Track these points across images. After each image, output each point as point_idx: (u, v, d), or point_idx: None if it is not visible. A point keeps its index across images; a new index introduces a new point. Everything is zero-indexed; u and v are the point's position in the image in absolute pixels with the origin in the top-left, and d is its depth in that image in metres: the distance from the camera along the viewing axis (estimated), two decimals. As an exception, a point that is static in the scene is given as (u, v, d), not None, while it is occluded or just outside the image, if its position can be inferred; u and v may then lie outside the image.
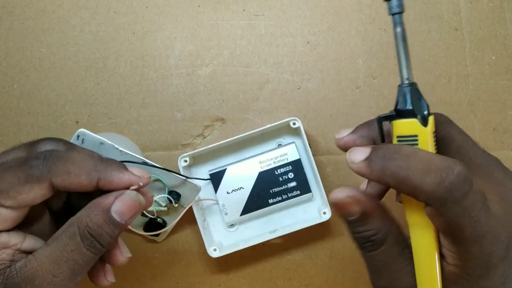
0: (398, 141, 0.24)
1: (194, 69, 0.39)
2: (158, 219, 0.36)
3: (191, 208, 0.35)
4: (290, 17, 0.39)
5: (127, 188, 0.25)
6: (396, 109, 0.24)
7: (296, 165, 0.36)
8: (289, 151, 0.36)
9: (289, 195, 0.36)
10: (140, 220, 0.36)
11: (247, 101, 0.38)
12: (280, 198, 0.36)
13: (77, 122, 0.39)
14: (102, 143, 0.32)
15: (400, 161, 0.22)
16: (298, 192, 0.36)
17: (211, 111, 0.38)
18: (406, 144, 0.24)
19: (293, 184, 0.36)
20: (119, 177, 0.25)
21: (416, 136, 0.24)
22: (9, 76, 0.39)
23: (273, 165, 0.36)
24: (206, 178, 0.36)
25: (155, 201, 0.34)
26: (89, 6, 0.39)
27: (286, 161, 0.36)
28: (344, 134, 0.27)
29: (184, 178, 0.34)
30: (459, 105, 0.38)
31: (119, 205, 0.25)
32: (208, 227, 0.37)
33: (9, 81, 0.39)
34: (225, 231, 0.37)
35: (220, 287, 0.38)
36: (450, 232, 0.23)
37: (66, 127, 0.39)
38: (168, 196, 0.34)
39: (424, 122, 0.23)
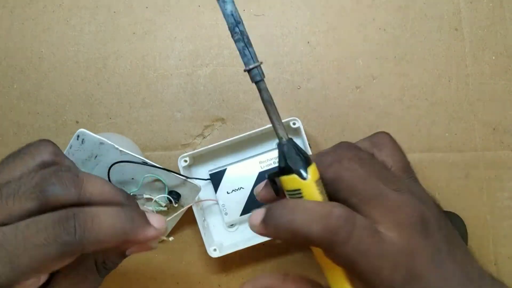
0: (288, 195, 0.26)
1: (194, 69, 0.39)
2: None
3: (191, 208, 0.35)
4: (290, 17, 0.39)
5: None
6: (278, 167, 0.26)
7: None
8: None
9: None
10: None
11: (247, 101, 0.38)
12: None
13: (77, 122, 0.39)
14: (102, 143, 0.32)
15: (288, 216, 0.24)
16: None
17: (211, 111, 0.38)
18: (295, 197, 0.25)
19: None
20: (144, 235, 0.25)
21: (299, 189, 0.25)
22: (9, 76, 0.39)
23: (273, 165, 0.36)
24: (206, 178, 0.36)
25: (155, 201, 0.34)
26: (89, 6, 0.39)
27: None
28: (259, 189, 0.29)
29: (184, 178, 0.34)
30: (459, 105, 0.38)
31: (134, 249, 0.27)
32: (208, 227, 0.37)
33: (9, 81, 0.39)
34: (225, 231, 0.37)
35: (220, 287, 0.38)
36: (348, 268, 0.25)
37: (66, 127, 0.39)
38: (168, 196, 0.34)
39: (302, 176, 0.25)
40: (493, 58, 0.38)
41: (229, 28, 0.25)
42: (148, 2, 0.39)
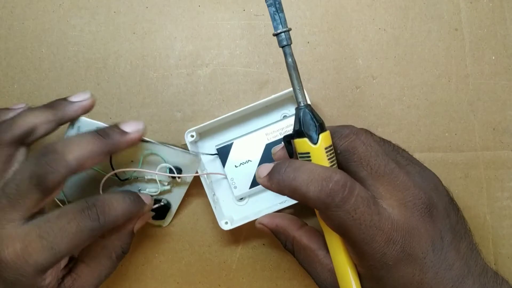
0: (299, 157, 0.27)
1: (194, 69, 0.39)
2: (162, 201, 0.36)
3: (198, 195, 0.35)
4: (290, 17, 0.39)
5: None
6: (293, 130, 0.28)
7: None
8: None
9: None
10: None
11: (247, 101, 0.38)
12: None
13: (77, 122, 0.39)
14: (98, 127, 0.32)
15: (290, 173, 0.26)
16: None
17: (211, 111, 0.38)
18: (303, 159, 0.27)
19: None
20: (144, 211, 0.32)
21: (308, 153, 0.27)
22: (9, 76, 0.39)
23: (279, 136, 0.36)
24: (213, 153, 0.36)
25: (159, 181, 0.34)
26: (89, 6, 0.39)
27: (292, 132, 0.36)
28: (277, 149, 0.31)
29: (182, 149, 0.34)
30: (459, 105, 0.38)
31: (141, 224, 0.33)
32: (218, 202, 0.37)
33: (9, 81, 0.39)
34: (235, 205, 0.37)
35: (220, 287, 0.38)
36: (340, 233, 0.26)
37: (66, 126, 0.39)
38: (171, 167, 0.34)
39: (313, 140, 0.26)
40: (493, 58, 0.38)
41: None
42: (148, 2, 0.39)
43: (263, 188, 0.36)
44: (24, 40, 0.39)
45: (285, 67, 0.28)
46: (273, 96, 0.35)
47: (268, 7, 0.27)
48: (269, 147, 0.36)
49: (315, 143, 0.26)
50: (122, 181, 0.34)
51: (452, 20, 0.39)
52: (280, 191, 0.27)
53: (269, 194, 0.37)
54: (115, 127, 0.30)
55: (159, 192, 0.35)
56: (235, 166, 0.36)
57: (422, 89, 0.38)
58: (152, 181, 0.34)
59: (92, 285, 0.30)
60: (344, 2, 0.39)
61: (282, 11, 0.27)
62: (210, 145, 0.37)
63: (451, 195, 0.30)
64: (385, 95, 0.38)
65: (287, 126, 0.36)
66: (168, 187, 0.35)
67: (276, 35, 0.27)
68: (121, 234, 0.32)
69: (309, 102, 0.28)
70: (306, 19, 0.39)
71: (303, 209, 0.37)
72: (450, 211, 0.28)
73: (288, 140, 0.28)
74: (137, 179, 0.34)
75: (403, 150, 0.31)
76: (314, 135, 0.26)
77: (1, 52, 0.39)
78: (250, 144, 0.36)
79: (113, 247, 0.31)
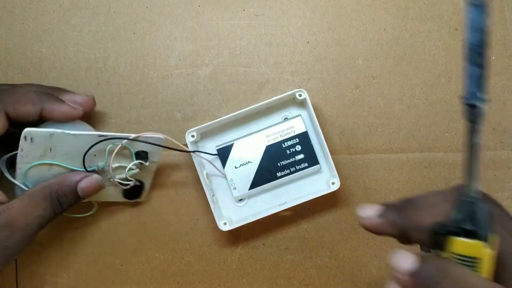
0: (451, 258, 0.21)
1: (194, 69, 0.39)
2: (135, 182, 0.36)
3: (198, 200, 0.35)
4: (290, 17, 0.39)
5: (67, 118, 0.33)
6: (453, 223, 0.21)
7: (303, 137, 0.36)
8: (295, 124, 0.36)
9: (297, 167, 0.36)
10: (118, 189, 0.36)
11: (247, 101, 0.38)
12: (288, 171, 0.36)
13: (77, 122, 0.39)
14: (52, 134, 0.31)
15: (445, 285, 0.19)
16: (306, 164, 0.36)
17: (211, 111, 0.38)
18: (459, 262, 0.21)
19: (301, 156, 0.36)
20: (58, 108, 0.32)
21: (476, 258, 0.21)
22: (9, 76, 0.39)
23: (280, 138, 0.36)
24: (213, 153, 0.36)
25: (129, 168, 0.34)
26: (89, 6, 0.39)
27: (293, 134, 0.36)
28: (370, 213, 0.24)
29: (143, 137, 0.34)
30: (459, 105, 0.38)
31: (86, 184, 0.32)
32: (218, 202, 0.37)
33: (9, 81, 0.39)
34: (234, 206, 0.37)
35: (220, 287, 0.38)
36: None
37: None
38: (137, 152, 0.34)
39: (488, 245, 0.21)
40: (493, 58, 0.38)
41: (470, 45, 0.19)
42: (148, 2, 0.39)
43: (263, 189, 0.36)
44: (24, 40, 0.39)
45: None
46: (274, 97, 0.35)
47: (470, 65, 0.19)
48: (269, 149, 0.36)
49: (490, 247, 0.20)
50: (89, 172, 0.34)
51: (452, 20, 0.39)
52: None
53: (269, 196, 0.37)
54: (57, 91, 0.33)
55: (129, 175, 0.34)
56: (235, 167, 0.36)
57: (422, 89, 0.38)
58: (120, 168, 0.34)
59: (20, 221, 0.29)
60: (344, 2, 0.39)
61: (486, 77, 0.19)
62: (211, 145, 0.37)
63: None
64: (385, 95, 0.38)
65: (289, 128, 0.36)
66: (136, 171, 0.35)
67: (470, 106, 0.20)
68: (64, 181, 0.32)
69: (481, 191, 0.22)
70: (306, 19, 0.39)
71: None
72: None
73: (441, 233, 0.22)
74: (103, 170, 0.34)
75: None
76: (491, 239, 0.21)
77: (1, 52, 0.39)
78: (251, 145, 0.36)
79: (50, 189, 0.31)
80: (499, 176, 0.38)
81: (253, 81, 0.38)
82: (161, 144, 0.34)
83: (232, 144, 0.36)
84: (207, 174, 0.36)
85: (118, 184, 0.35)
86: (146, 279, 0.38)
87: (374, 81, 0.38)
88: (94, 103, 0.35)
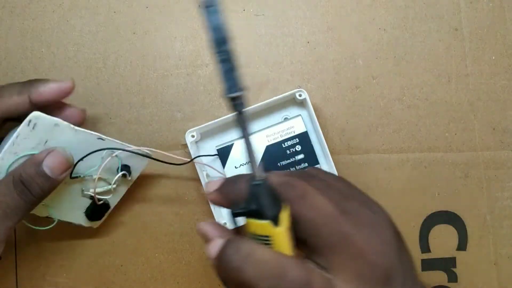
0: (255, 238, 0.23)
1: (194, 69, 0.39)
2: (104, 201, 0.35)
3: (198, 204, 0.35)
4: (290, 17, 0.39)
5: (59, 97, 0.31)
6: (245, 207, 0.23)
7: (303, 137, 0.36)
8: (295, 124, 0.36)
9: (297, 167, 0.36)
10: (82, 203, 0.35)
11: (247, 101, 0.38)
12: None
13: (77, 122, 0.39)
14: (57, 124, 0.30)
15: (238, 263, 0.22)
16: (306, 164, 0.36)
17: (211, 111, 0.38)
18: (259, 241, 0.23)
19: (301, 156, 0.36)
20: (45, 87, 0.31)
21: (267, 236, 0.23)
22: (9, 76, 0.39)
23: (280, 138, 0.36)
24: (213, 154, 0.36)
25: (105, 180, 0.33)
26: (89, 6, 0.39)
27: (293, 134, 0.36)
28: (212, 189, 0.27)
29: (137, 149, 0.33)
30: (459, 105, 0.38)
31: (50, 160, 0.29)
32: None
33: (9, 81, 0.39)
34: None
35: (220, 287, 0.38)
36: None
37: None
38: (122, 172, 0.34)
39: (276, 223, 0.22)
40: (493, 58, 0.38)
41: (213, 45, 0.21)
42: (148, 2, 0.39)
43: None
44: (24, 40, 0.39)
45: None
46: (274, 97, 0.35)
47: (219, 62, 0.21)
48: (269, 148, 0.36)
49: (277, 225, 0.22)
50: (72, 178, 0.33)
51: (452, 20, 0.39)
52: (225, 280, 0.23)
53: None
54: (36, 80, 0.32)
55: (104, 190, 0.34)
56: (235, 167, 0.36)
57: (422, 89, 0.38)
58: (100, 180, 0.34)
59: None
60: (344, 2, 0.39)
61: (237, 68, 0.21)
62: (211, 145, 0.37)
63: (401, 236, 0.26)
64: (385, 95, 0.38)
65: (289, 128, 0.36)
66: (110, 187, 0.34)
67: (231, 98, 0.22)
68: (26, 163, 0.29)
69: (265, 174, 0.23)
70: (306, 19, 0.39)
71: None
72: (407, 272, 0.25)
73: (238, 216, 0.24)
74: (83, 178, 0.33)
75: (349, 186, 0.27)
76: (276, 217, 0.22)
77: (1, 52, 0.39)
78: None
79: (13, 174, 0.29)
80: (499, 176, 0.38)
81: (253, 81, 0.38)
82: (157, 158, 0.34)
83: (232, 144, 0.36)
84: (207, 174, 0.36)
85: (91, 198, 0.34)
86: (146, 279, 0.38)
87: (374, 81, 0.38)
88: (73, 84, 0.33)
